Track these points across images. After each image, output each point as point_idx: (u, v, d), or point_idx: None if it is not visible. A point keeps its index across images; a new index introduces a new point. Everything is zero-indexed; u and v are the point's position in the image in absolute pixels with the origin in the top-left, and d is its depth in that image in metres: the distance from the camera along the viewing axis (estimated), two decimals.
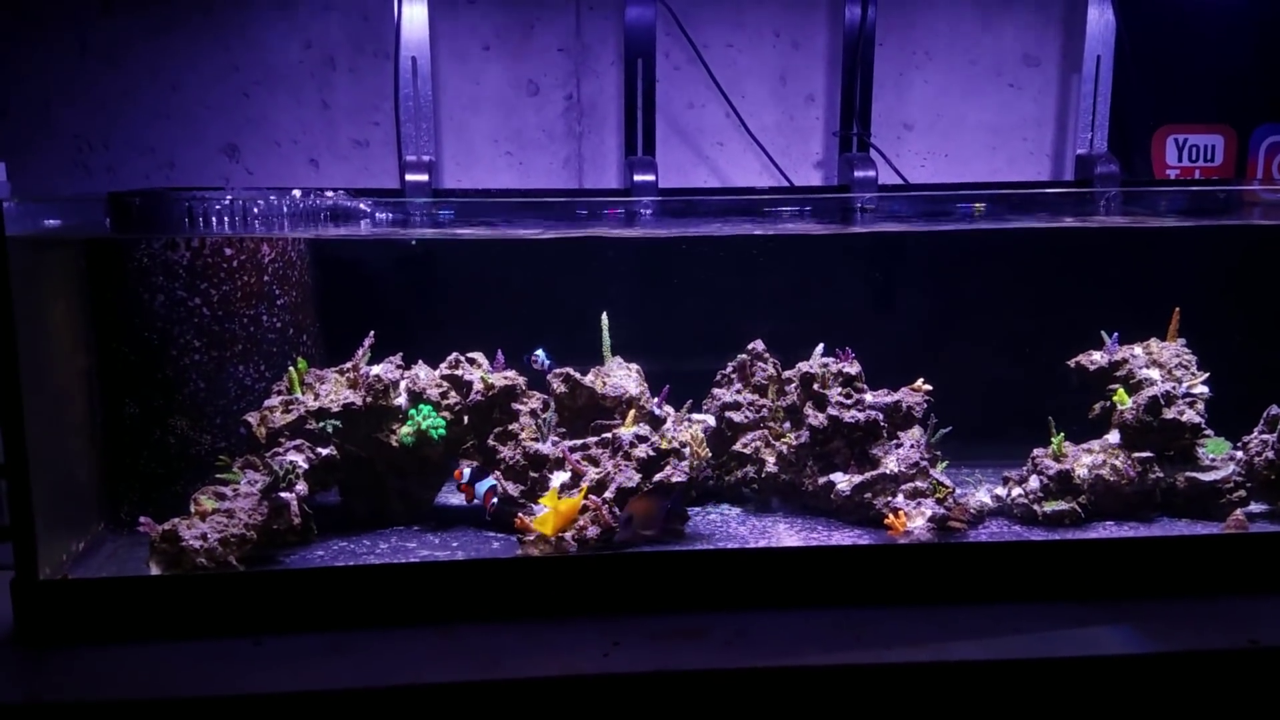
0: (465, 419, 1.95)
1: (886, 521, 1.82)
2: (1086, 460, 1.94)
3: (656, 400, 1.96)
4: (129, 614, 1.57)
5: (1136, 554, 1.75)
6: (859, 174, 2.34)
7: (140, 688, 1.44)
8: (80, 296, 1.80)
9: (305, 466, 1.79)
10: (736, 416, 2.04)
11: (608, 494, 1.79)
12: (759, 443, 2.01)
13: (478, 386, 1.95)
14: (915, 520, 1.81)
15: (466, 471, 1.88)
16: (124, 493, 1.88)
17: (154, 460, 1.88)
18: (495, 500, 1.86)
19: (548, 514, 1.74)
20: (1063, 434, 1.97)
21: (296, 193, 1.86)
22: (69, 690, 1.44)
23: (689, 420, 1.96)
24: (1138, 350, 2.06)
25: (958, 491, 1.90)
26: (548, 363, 1.97)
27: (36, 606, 1.55)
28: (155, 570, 1.62)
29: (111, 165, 2.36)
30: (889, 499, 1.86)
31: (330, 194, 1.90)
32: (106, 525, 1.86)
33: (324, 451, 1.83)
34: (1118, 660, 1.53)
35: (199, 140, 2.37)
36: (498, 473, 1.90)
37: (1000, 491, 1.96)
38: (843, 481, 1.89)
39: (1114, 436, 1.98)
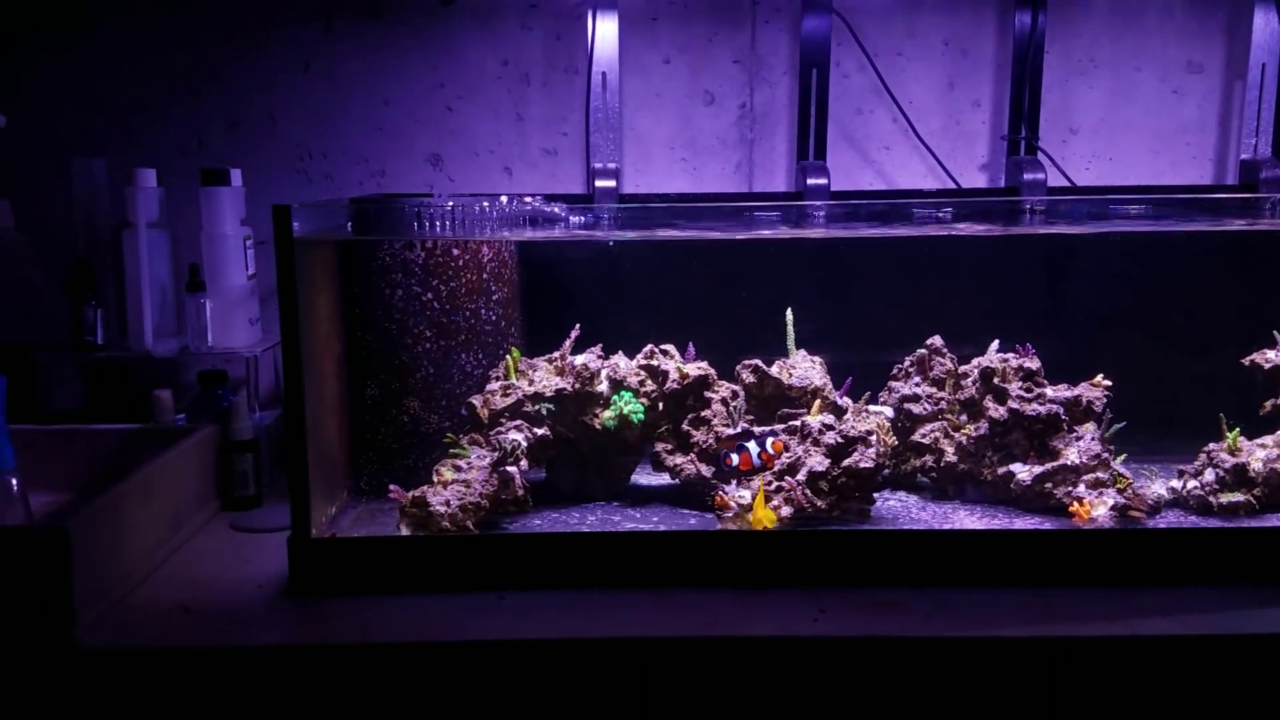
0: (660, 405, 2.11)
1: (1071, 509, 1.90)
2: (1261, 454, 1.99)
3: (839, 392, 2.08)
4: (387, 569, 1.76)
5: None
6: (1028, 176, 2.43)
7: (402, 632, 1.62)
8: (336, 290, 2.01)
9: (525, 444, 1.97)
10: (915, 408, 2.15)
11: (799, 476, 1.92)
12: (938, 433, 2.12)
13: (673, 375, 2.10)
14: (1098, 509, 1.89)
15: (748, 451, 1.95)
16: (364, 465, 2.09)
17: (390, 436, 2.09)
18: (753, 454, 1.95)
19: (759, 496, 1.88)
20: (1238, 429, 2.03)
21: (504, 199, 2.04)
22: (339, 634, 1.63)
23: (867, 411, 2.08)
24: None
25: (1135, 483, 1.98)
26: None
27: (309, 561, 1.75)
28: (405, 531, 1.81)
29: (329, 173, 2.59)
30: (1070, 489, 1.95)
31: (529, 200, 2.07)
32: (349, 493, 2.07)
33: (539, 431, 2.00)
34: None
35: (407, 150, 2.59)
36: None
37: (1175, 484, 2.03)
38: (1023, 471, 1.99)
39: None
